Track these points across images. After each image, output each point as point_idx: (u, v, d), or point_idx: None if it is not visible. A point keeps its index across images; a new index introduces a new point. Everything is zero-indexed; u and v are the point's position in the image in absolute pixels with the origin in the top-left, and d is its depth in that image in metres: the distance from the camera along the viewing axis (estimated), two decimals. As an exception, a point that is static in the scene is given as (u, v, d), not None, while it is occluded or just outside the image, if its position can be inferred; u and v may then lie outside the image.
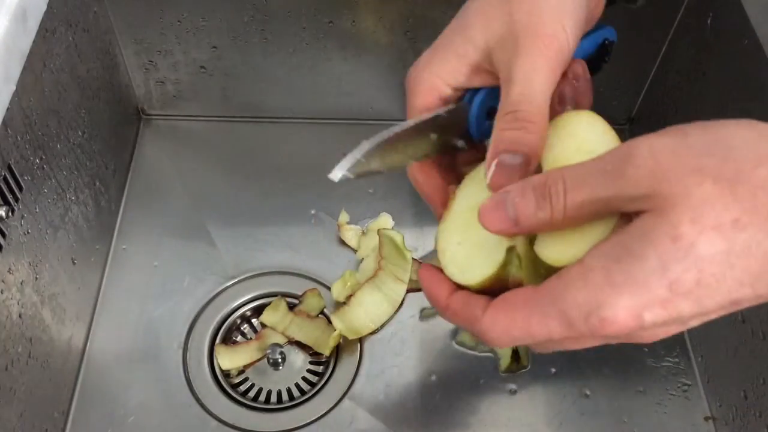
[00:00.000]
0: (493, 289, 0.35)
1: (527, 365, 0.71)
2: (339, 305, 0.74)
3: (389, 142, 0.38)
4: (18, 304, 0.58)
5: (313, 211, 0.81)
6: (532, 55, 0.36)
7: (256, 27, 0.79)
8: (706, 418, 0.70)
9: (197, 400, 0.69)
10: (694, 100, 0.76)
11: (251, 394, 0.71)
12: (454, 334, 0.74)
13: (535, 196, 0.31)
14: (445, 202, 0.40)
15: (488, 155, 0.35)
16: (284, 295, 0.76)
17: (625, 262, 0.29)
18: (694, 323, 0.31)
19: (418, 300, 0.75)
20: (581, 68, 0.40)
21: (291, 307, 0.75)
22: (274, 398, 0.71)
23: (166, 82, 0.86)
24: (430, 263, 0.38)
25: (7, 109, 0.54)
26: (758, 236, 0.28)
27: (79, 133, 0.70)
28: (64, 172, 0.66)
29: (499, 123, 0.35)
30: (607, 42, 0.46)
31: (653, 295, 0.29)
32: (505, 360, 0.71)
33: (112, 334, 0.73)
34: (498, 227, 0.33)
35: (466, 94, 0.41)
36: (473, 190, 0.38)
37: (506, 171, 0.34)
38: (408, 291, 0.74)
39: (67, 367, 0.69)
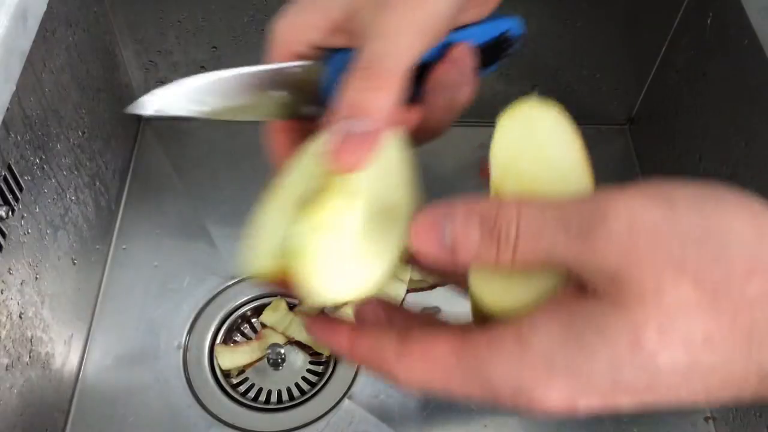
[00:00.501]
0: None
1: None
2: (339, 305, 0.74)
3: (220, 85, 0.34)
4: (18, 304, 0.58)
5: (313, 211, 0.81)
6: (398, 13, 0.30)
7: (256, 27, 0.79)
8: (707, 419, 0.70)
9: (197, 400, 0.69)
10: (694, 100, 0.76)
11: (251, 394, 0.71)
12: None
13: (481, 230, 0.26)
14: None
15: (330, 119, 0.30)
16: (284, 295, 0.76)
17: (571, 349, 0.25)
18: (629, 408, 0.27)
19: (418, 300, 0.75)
20: (464, 53, 0.35)
21: (291, 307, 0.75)
22: (274, 398, 0.71)
23: (166, 82, 0.85)
24: (307, 313, 0.33)
25: (7, 109, 0.54)
26: (727, 359, 0.24)
27: (79, 133, 0.70)
28: (64, 172, 0.66)
29: (348, 81, 0.30)
30: (508, 34, 0.38)
31: (593, 388, 0.25)
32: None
33: (112, 334, 0.73)
34: (429, 252, 0.27)
35: (324, 55, 0.35)
36: (310, 170, 0.31)
37: (351, 141, 0.29)
38: (408, 291, 0.74)
39: (67, 366, 0.69)
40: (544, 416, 0.26)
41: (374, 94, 0.29)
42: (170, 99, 0.35)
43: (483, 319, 0.27)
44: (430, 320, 0.30)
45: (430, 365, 0.27)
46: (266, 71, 0.35)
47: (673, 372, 0.24)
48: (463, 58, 0.35)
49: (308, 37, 0.35)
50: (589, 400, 0.25)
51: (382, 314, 0.31)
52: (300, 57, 0.35)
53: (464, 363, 0.26)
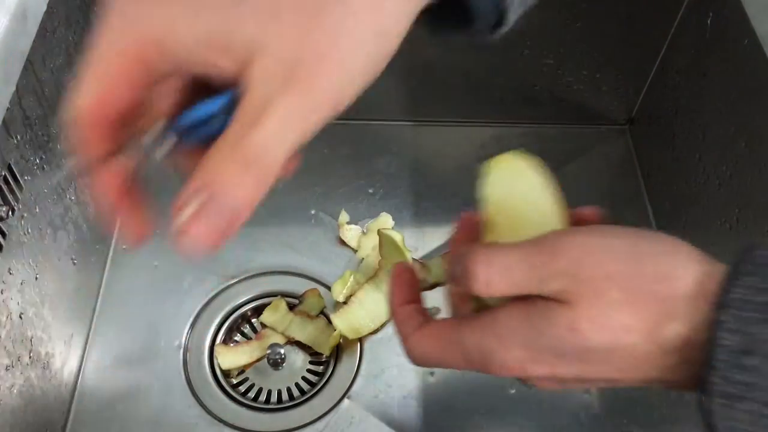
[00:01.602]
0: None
1: (527, 365, 0.71)
2: (339, 305, 0.74)
3: None
4: (18, 304, 0.58)
5: (313, 211, 0.81)
6: (301, 101, 0.28)
7: (256, 27, 0.79)
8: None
9: (197, 400, 0.69)
10: (694, 100, 0.76)
11: (251, 394, 0.71)
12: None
13: (461, 272, 0.34)
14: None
15: (190, 186, 0.30)
16: (284, 295, 0.76)
17: (527, 329, 0.33)
18: (575, 386, 0.36)
19: (418, 300, 0.75)
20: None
21: (291, 307, 0.75)
22: (274, 398, 0.71)
23: (166, 82, 0.86)
24: (415, 263, 0.40)
25: (7, 109, 0.54)
26: (640, 340, 0.32)
27: (79, 133, 0.70)
28: (64, 173, 0.66)
29: (223, 157, 0.29)
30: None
31: (540, 358, 0.34)
32: (505, 360, 0.71)
33: (112, 334, 0.73)
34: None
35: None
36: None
37: (210, 221, 0.30)
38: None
39: (67, 366, 0.69)
40: (502, 375, 0.36)
41: (252, 187, 0.30)
42: None
43: (477, 309, 0.37)
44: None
45: (433, 341, 0.36)
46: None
47: (600, 351, 0.33)
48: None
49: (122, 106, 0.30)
50: (535, 367, 0.34)
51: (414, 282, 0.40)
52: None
53: (454, 339, 0.35)
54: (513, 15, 0.40)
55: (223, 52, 0.29)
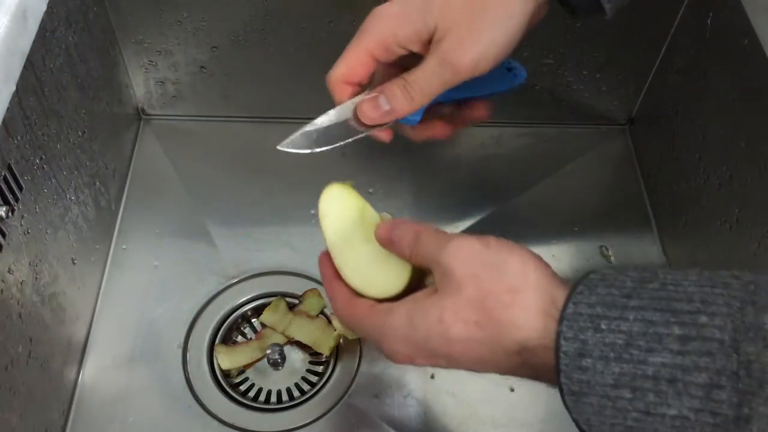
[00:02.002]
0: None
1: (527, 365, 0.71)
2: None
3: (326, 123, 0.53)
4: (18, 304, 0.58)
5: (313, 211, 0.81)
6: (442, 65, 0.48)
7: (256, 27, 0.79)
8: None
9: (197, 400, 0.69)
10: (694, 100, 0.76)
11: (251, 394, 0.71)
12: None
13: (412, 236, 0.47)
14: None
15: (376, 88, 0.51)
16: (284, 295, 0.76)
17: (408, 326, 0.43)
18: (442, 363, 0.44)
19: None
20: (483, 112, 0.57)
21: (291, 307, 0.75)
22: (274, 398, 0.71)
23: (166, 82, 0.86)
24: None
25: (7, 109, 0.54)
26: (487, 338, 0.40)
27: (79, 133, 0.70)
28: (64, 172, 0.67)
29: (395, 81, 0.50)
30: (515, 83, 0.59)
31: (420, 351, 0.43)
32: (505, 360, 0.71)
33: (112, 334, 0.73)
34: (382, 237, 0.49)
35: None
36: (342, 210, 0.52)
37: (377, 107, 0.50)
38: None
39: (67, 367, 0.69)
40: (396, 361, 0.45)
41: (404, 100, 0.50)
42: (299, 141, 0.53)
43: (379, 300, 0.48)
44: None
45: (348, 311, 0.48)
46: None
47: (458, 341, 0.41)
48: (481, 116, 0.57)
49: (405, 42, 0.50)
50: (417, 359, 0.44)
51: None
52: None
53: (362, 315, 0.47)
54: (608, 5, 0.55)
55: (421, 42, 0.49)
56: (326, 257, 0.51)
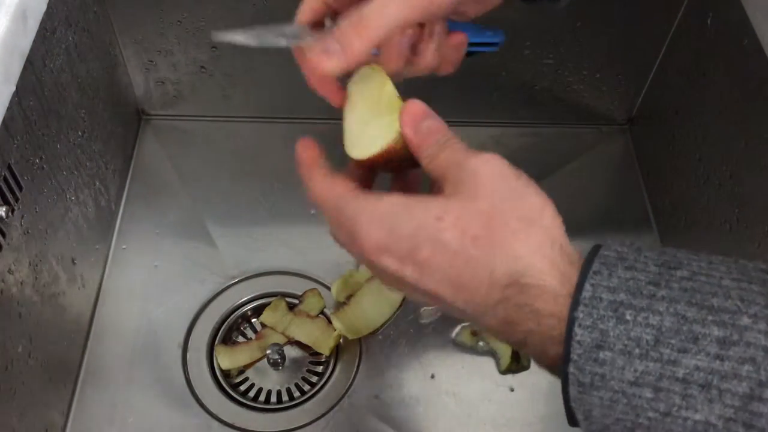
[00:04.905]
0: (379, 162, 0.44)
1: (527, 366, 0.71)
2: (339, 305, 0.74)
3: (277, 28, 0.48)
4: (18, 304, 0.58)
5: (313, 211, 0.81)
6: None
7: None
8: None
9: (197, 400, 0.69)
10: (694, 100, 0.76)
11: (251, 394, 0.71)
12: (453, 334, 0.74)
13: (440, 135, 0.41)
14: (336, 94, 0.48)
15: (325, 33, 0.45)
16: (284, 295, 0.76)
17: (398, 215, 0.38)
18: (414, 297, 0.40)
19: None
20: (460, 41, 0.48)
21: (291, 307, 0.75)
22: (274, 398, 0.71)
23: (166, 82, 0.86)
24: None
25: (7, 109, 0.54)
26: (478, 257, 0.36)
27: (79, 133, 0.70)
28: (64, 172, 0.67)
29: (343, 19, 0.43)
30: (492, 42, 0.52)
31: (394, 248, 0.38)
32: (504, 360, 0.71)
33: (112, 334, 0.73)
34: (408, 120, 0.41)
35: None
36: (362, 87, 0.47)
37: (327, 53, 0.43)
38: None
39: (67, 367, 0.69)
40: (356, 256, 0.40)
41: (354, 38, 0.42)
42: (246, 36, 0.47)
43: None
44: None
45: (325, 190, 0.41)
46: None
47: (446, 249, 0.36)
48: (456, 46, 0.49)
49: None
50: (386, 257, 0.38)
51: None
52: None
53: (340, 201, 0.40)
54: None
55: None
56: (308, 141, 0.45)
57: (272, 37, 0.48)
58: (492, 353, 0.72)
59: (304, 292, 0.75)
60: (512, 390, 0.71)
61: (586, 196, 0.86)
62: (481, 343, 0.73)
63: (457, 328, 0.74)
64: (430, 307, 0.74)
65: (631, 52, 0.83)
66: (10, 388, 0.56)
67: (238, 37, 0.46)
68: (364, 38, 0.42)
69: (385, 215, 0.38)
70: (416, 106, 0.41)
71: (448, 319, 0.74)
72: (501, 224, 0.36)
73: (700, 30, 0.73)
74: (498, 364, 0.72)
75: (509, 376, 0.71)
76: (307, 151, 0.45)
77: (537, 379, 0.71)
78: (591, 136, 0.91)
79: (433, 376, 0.71)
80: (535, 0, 0.53)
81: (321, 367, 0.73)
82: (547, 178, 0.85)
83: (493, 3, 0.47)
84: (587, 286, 0.34)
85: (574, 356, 0.33)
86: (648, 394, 0.32)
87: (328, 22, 0.47)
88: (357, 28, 0.42)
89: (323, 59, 0.43)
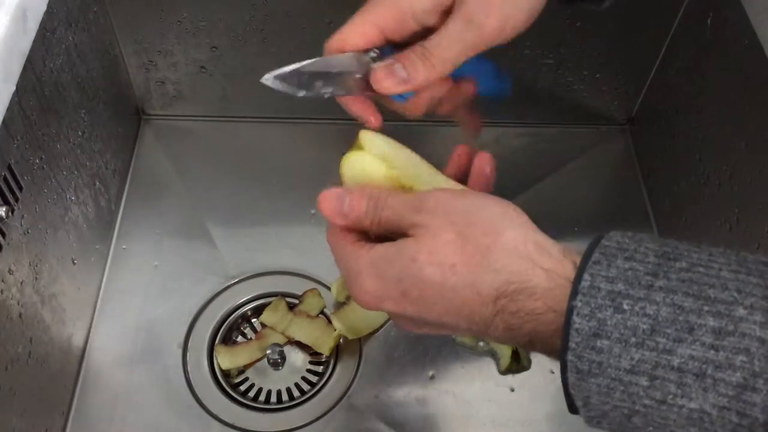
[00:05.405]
0: None
1: (527, 366, 0.71)
2: (339, 305, 0.74)
3: (319, 68, 0.48)
4: (18, 304, 0.58)
5: (313, 211, 0.81)
6: (467, 27, 0.46)
7: (256, 27, 0.79)
8: None
9: (197, 400, 0.69)
10: (694, 100, 0.76)
11: (251, 394, 0.71)
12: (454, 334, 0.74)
13: (366, 204, 0.42)
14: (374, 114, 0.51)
15: (390, 59, 0.47)
16: (284, 295, 0.76)
17: (384, 264, 0.40)
18: (426, 330, 0.43)
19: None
20: (469, 90, 0.53)
21: (291, 307, 0.75)
22: (274, 398, 0.71)
23: (166, 82, 0.86)
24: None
25: (7, 109, 0.54)
26: (462, 282, 0.38)
27: (79, 133, 0.70)
28: (64, 172, 0.66)
29: (414, 49, 0.47)
30: (500, 93, 0.57)
31: (390, 293, 0.40)
32: (504, 360, 0.71)
33: (112, 334, 0.73)
34: (330, 214, 0.43)
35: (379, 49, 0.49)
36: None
37: (393, 75, 0.47)
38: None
39: (67, 367, 0.69)
40: (362, 303, 0.42)
41: (421, 68, 0.46)
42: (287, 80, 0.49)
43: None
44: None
45: (337, 239, 0.44)
46: (353, 57, 0.49)
47: (431, 285, 0.39)
48: (469, 92, 0.54)
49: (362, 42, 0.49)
50: (386, 301, 0.40)
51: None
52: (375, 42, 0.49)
53: (346, 253, 0.43)
54: None
55: (439, 13, 0.47)
56: (333, 194, 0.45)
57: (320, 85, 0.49)
58: (492, 353, 0.72)
59: (304, 292, 0.75)
60: (512, 390, 0.71)
61: (586, 196, 0.86)
62: (481, 343, 0.73)
63: (457, 328, 0.74)
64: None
65: (631, 52, 0.83)
66: (10, 388, 0.56)
67: (282, 85, 0.49)
68: (430, 71, 0.46)
69: (373, 266, 0.41)
70: (327, 194, 0.43)
71: (448, 319, 0.74)
72: (472, 246, 0.38)
73: (700, 30, 0.73)
74: (498, 365, 0.72)
75: (509, 376, 0.71)
76: (327, 202, 0.45)
77: (537, 379, 0.71)
78: (591, 136, 0.91)
79: (433, 376, 0.71)
80: (576, 1, 0.54)
81: (321, 367, 0.73)
82: (547, 178, 0.85)
83: (519, 29, 0.49)
84: (586, 276, 0.35)
85: (572, 344, 0.34)
86: (644, 381, 0.33)
87: (373, 53, 0.49)
88: (424, 60, 0.46)
89: (386, 78, 0.47)
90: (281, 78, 0.48)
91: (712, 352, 0.32)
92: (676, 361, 0.33)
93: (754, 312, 0.32)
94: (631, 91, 0.87)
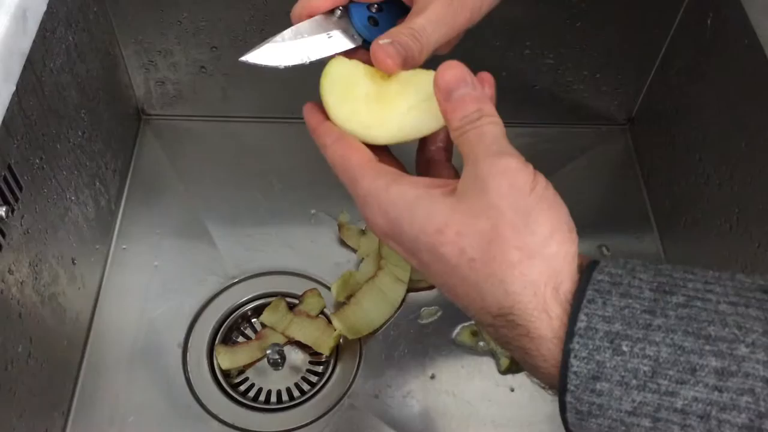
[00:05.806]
0: None
1: (527, 365, 0.71)
2: (339, 305, 0.74)
3: (293, 38, 0.49)
4: (18, 304, 0.58)
5: (313, 211, 0.81)
6: (451, 5, 0.45)
7: (256, 27, 0.79)
8: None
9: (197, 400, 0.69)
10: (694, 100, 0.76)
11: (251, 394, 0.71)
12: (454, 334, 0.74)
13: (476, 107, 0.39)
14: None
15: (383, 35, 0.45)
16: (284, 295, 0.76)
17: (402, 209, 0.38)
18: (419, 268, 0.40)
19: (418, 300, 0.75)
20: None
21: (291, 307, 0.75)
22: (274, 398, 0.71)
23: (166, 82, 0.86)
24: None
25: (7, 109, 0.54)
26: (474, 279, 0.36)
27: (79, 133, 0.70)
28: (64, 172, 0.66)
29: (403, 27, 0.45)
30: None
31: (398, 239, 0.39)
32: (504, 360, 0.71)
33: (112, 334, 0.73)
34: (453, 80, 0.40)
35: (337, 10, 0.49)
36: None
37: (391, 55, 0.44)
38: (408, 291, 0.74)
39: (67, 367, 0.69)
40: (369, 226, 0.40)
41: (416, 51, 0.44)
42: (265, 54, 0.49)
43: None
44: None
45: (343, 152, 0.42)
46: (321, 20, 0.49)
47: (443, 262, 0.37)
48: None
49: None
50: (392, 243, 0.40)
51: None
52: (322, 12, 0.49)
53: (353, 165, 0.41)
54: None
55: None
56: (314, 106, 0.46)
57: (297, 52, 0.49)
58: (492, 353, 0.72)
59: (304, 292, 0.75)
60: (512, 390, 0.71)
61: (586, 196, 0.86)
62: (481, 343, 0.73)
63: (457, 328, 0.74)
64: (431, 307, 0.74)
65: (631, 52, 0.83)
66: (10, 388, 0.56)
67: (264, 59, 0.49)
68: (421, 53, 0.45)
69: (391, 207, 0.39)
70: (452, 70, 0.40)
71: (448, 319, 0.74)
72: (499, 252, 0.35)
73: (700, 30, 0.73)
74: (498, 364, 0.72)
75: (509, 376, 0.71)
76: (314, 114, 0.45)
77: (537, 380, 0.71)
78: (591, 136, 0.91)
79: (433, 376, 0.71)
80: None
81: (321, 367, 0.73)
82: (547, 178, 0.85)
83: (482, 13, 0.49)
84: (581, 317, 0.34)
85: (570, 387, 0.34)
86: (646, 423, 0.33)
87: (338, 11, 0.49)
88: (415, 42, 0.45)
89: (387, 58, 0.44)
90: (259, 57, 0.49)
91: (716, 393, 0.32)
92: (679, 403, 0.32)
93: (756, 350, 0.32)
94: (631, 91, 0.87)
